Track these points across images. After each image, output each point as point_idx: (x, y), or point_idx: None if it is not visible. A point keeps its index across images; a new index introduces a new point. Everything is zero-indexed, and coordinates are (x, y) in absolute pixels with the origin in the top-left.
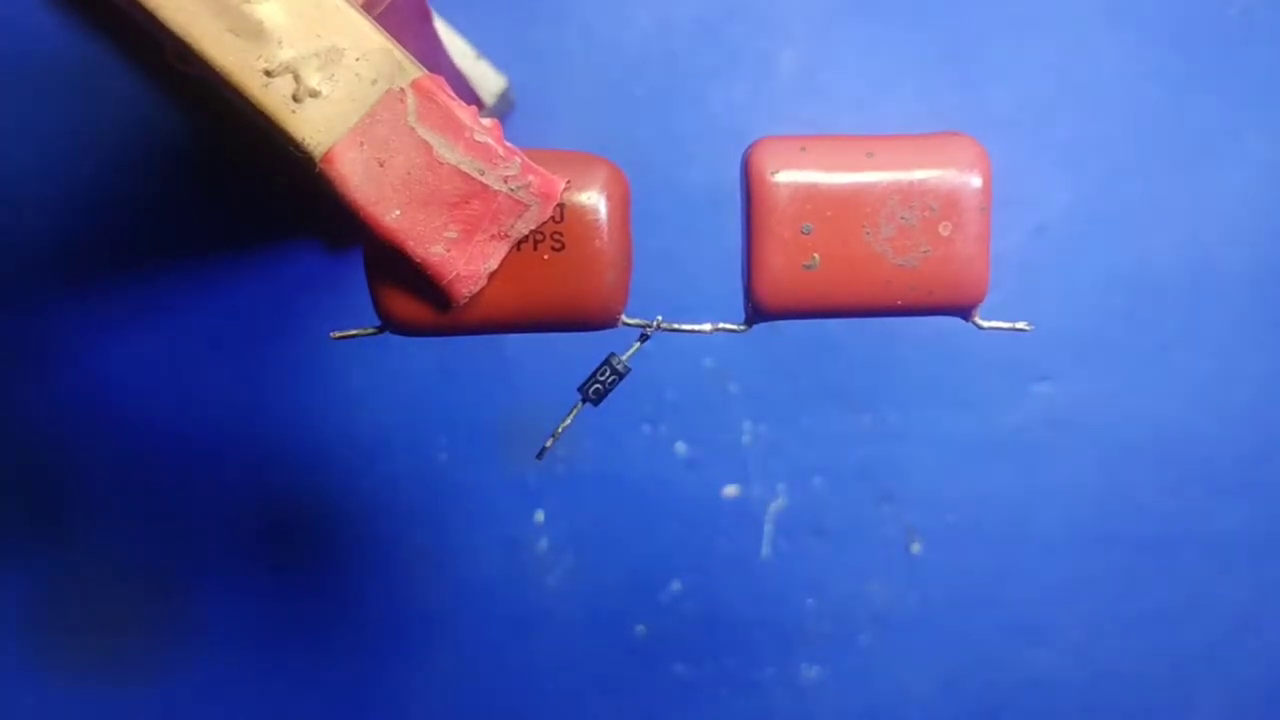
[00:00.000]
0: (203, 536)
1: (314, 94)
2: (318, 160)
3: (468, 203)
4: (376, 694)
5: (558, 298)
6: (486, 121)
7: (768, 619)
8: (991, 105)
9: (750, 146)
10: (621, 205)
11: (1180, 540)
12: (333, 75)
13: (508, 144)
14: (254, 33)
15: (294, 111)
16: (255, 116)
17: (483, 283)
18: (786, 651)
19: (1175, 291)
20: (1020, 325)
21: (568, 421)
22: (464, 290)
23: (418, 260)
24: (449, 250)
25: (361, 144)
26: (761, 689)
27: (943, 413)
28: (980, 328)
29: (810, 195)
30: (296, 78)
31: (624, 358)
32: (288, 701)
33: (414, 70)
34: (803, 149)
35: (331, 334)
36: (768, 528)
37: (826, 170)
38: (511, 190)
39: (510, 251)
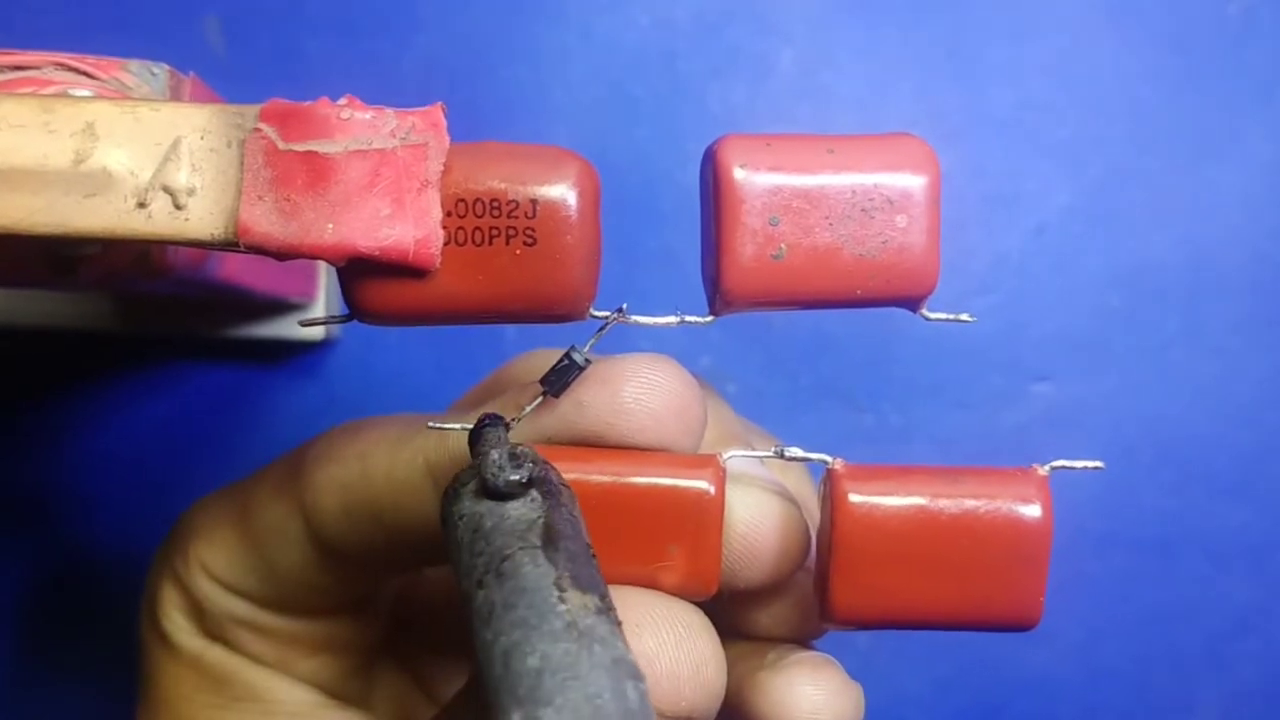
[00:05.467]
0: None
1: (191, 191)
2: (237, 241)
3: (378, 174)
4: None
5: (527, 291)
6: (341, 100)
7: None
8: (991, 105)
9: (715, 143)
10: (592, 200)
11: (1180, 540)
12: (193, 165)
13: (372, 106)
14: (105, 182)
15: (186, 219)
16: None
17: (441, 235)
18: None
19: (1175, 291)
20: (963, 317)
21: (527, 410)
22: (430, 251)
23: (377, 254)
24: (394, 227)
25: (260, 198)
26: None
27: (943, 413)
28: (927, 319)
29: (777, 188)
30: (167, 189)
31: (585, 349)
32: None
33: (252, 109)
34: (768, 144)
35: (299, 321)
36: None
37: (791, 164)
38: (403, 140)
39: (481, 247)
